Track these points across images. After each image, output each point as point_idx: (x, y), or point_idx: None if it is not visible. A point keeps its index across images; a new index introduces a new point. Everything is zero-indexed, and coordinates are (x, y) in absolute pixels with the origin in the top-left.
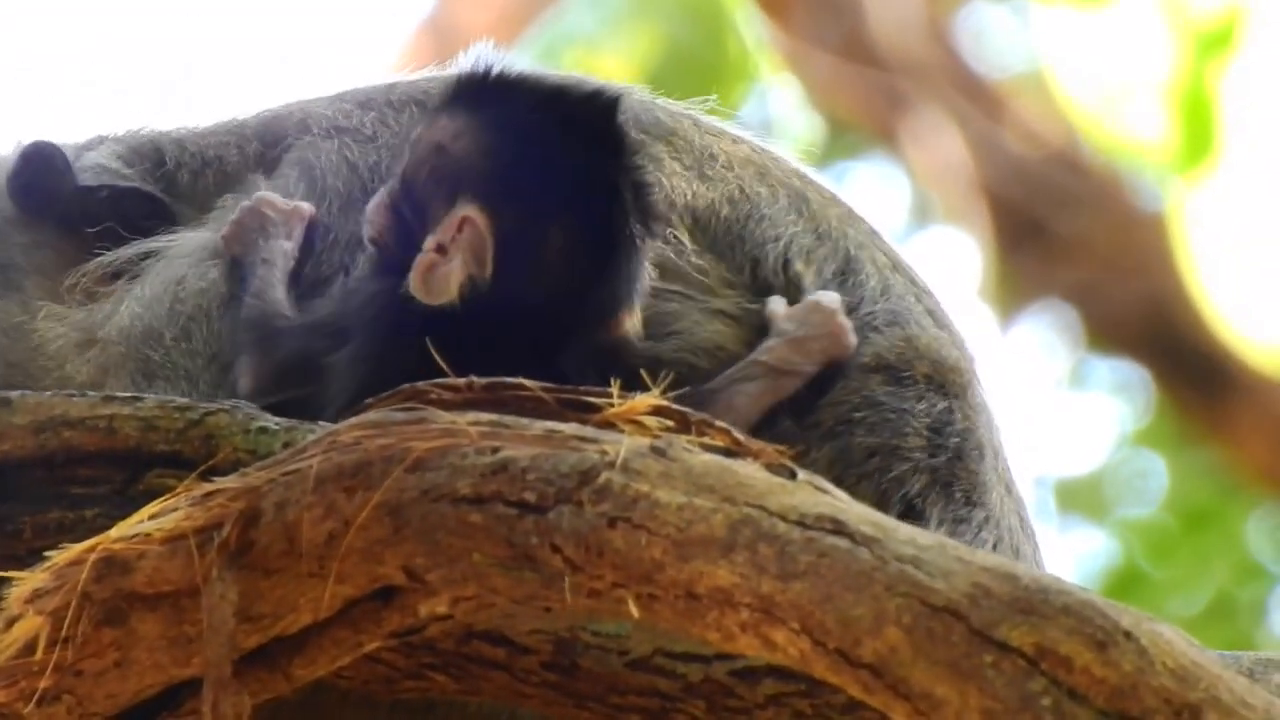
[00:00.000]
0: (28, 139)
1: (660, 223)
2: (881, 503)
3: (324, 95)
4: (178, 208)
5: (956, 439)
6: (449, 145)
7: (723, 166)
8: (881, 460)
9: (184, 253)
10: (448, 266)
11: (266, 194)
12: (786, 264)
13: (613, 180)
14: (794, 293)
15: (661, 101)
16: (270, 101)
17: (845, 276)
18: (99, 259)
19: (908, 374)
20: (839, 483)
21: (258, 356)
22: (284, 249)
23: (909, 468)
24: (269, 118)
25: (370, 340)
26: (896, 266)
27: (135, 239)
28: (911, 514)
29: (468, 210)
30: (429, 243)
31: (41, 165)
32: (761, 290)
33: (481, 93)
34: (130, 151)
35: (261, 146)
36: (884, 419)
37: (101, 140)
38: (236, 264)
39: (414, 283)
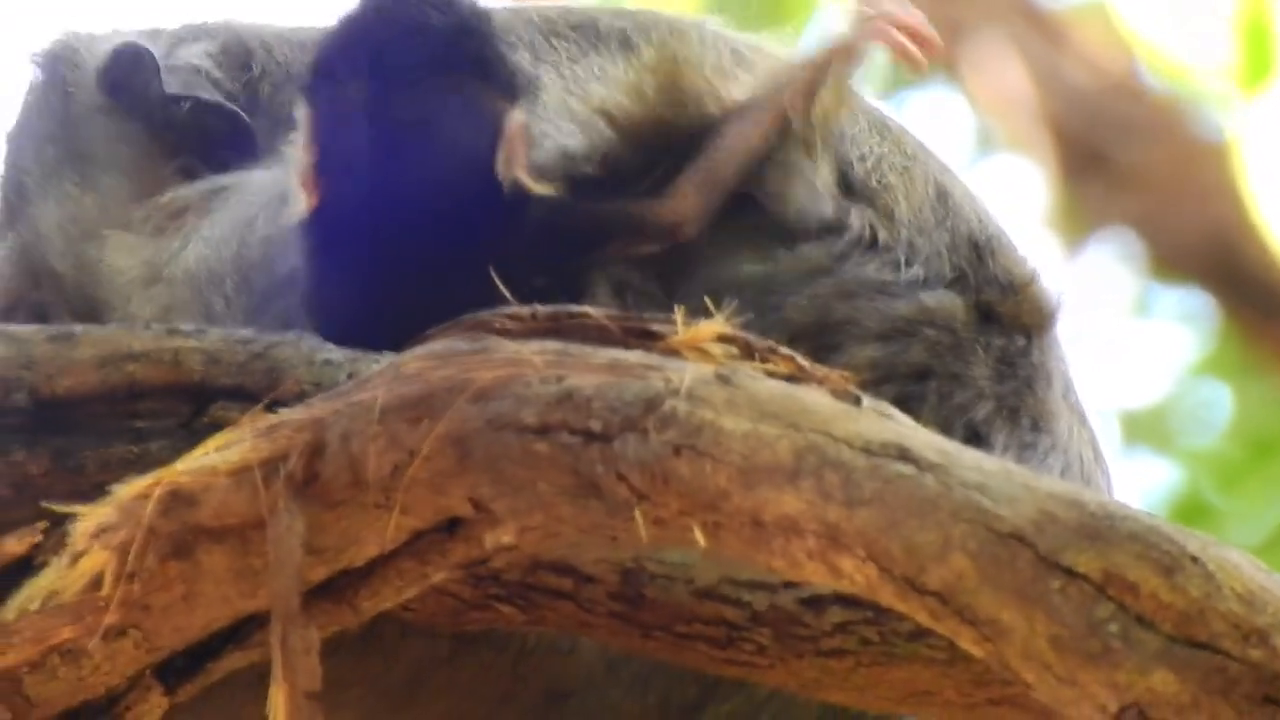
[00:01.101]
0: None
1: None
2: (944, 429)
3: None
4: (257, 123)
5: (1028, 369)
6: None
7: None
8: (942, 385)
9: (255, 192)
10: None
11: None
12: (881, 176)
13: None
14: (889, 202)
15: (737, 34)
16: None
17: (940, 200)
18: (172, 194)
19: (987, 308)
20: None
21: None
22: None
23: (973, 394)
24: None
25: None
26: (976, 199)
27: (214, 156)
28: (976, 439)
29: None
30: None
31: (130, 65)
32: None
33: None
34: (221, 50)
35: None
36: (954, 342)
37: (199, 33)
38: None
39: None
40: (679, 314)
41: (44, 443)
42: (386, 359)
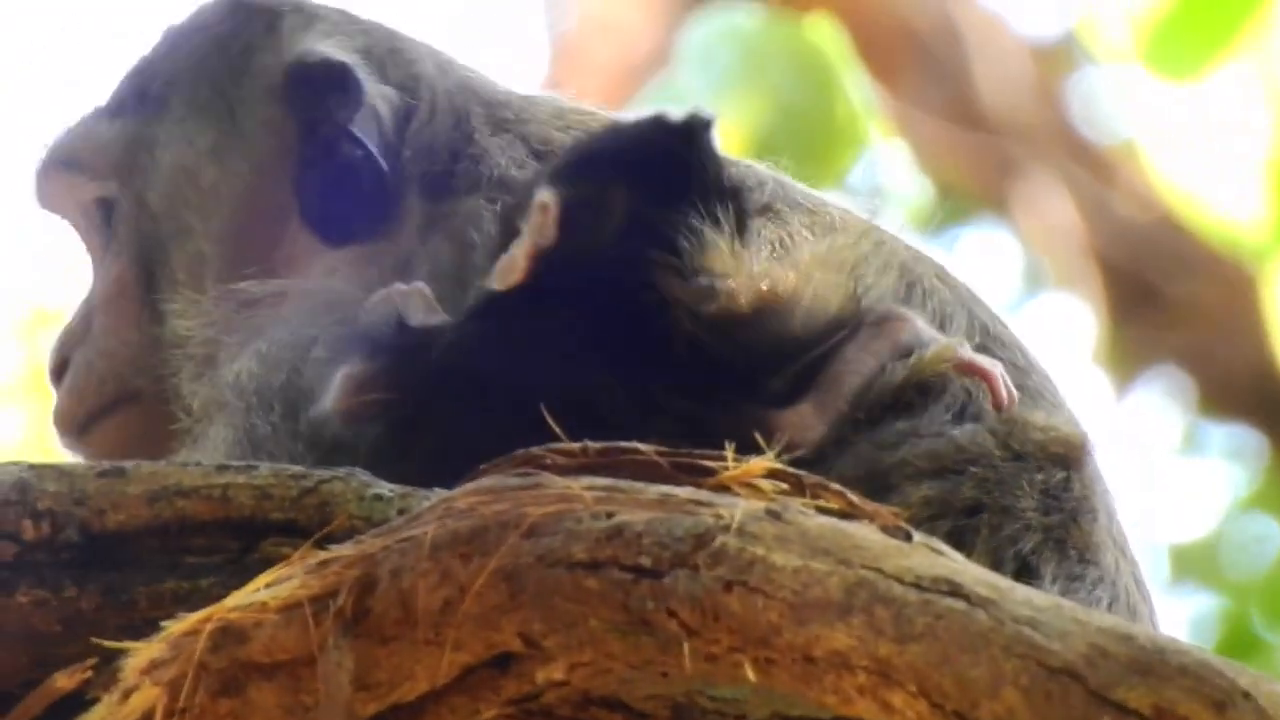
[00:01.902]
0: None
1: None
2: (995, 561)
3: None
4: (398, 187)
5: (1072, 503)
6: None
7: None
8: (992, 518)
9: (325, 305)
10: (522, 244)
11: (402, 286)
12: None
13: (679, 153)
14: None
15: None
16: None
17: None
18: (249, 285)
19: (1024, 449)
20: (941, 532)
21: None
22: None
23: (1021, 526)
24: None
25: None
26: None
27: (339, 213)
28: (1026, 571)
29: (538, 198)
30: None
31: (334, 87)
32: None
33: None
34: (400, 86)
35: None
36: (999, 477)
37: (392, 48)
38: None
39: (495, 278)
40: (729, 450)
41: (95, 578)
42: (437, 494)
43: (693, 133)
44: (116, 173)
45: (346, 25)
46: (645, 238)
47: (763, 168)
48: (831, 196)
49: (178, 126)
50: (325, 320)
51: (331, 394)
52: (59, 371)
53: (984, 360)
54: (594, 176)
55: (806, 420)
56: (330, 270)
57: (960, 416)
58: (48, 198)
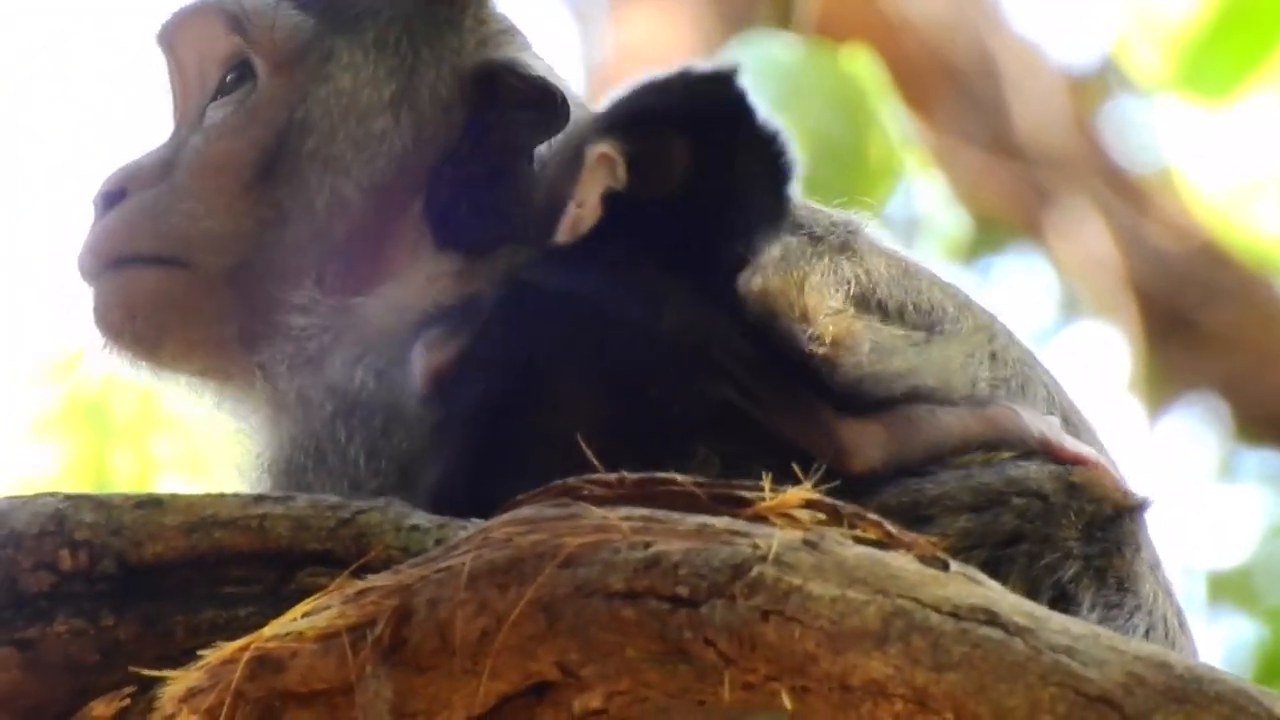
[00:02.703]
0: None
1: (793, 181)
2: (1033, 589)
3: None
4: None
5: (1115, 535)
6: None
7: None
8: (1032, 547)
9: (376, 333)
10: (590, 196)
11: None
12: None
13: (737, 111)
14: None
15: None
16: None
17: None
18: (364, 300)
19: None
20: (976, 561)
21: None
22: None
23: (1061, 555)
24: None
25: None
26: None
27: (454, 216)
28: (1064, 599)
29: (595, 150)
30: (570, 205)
31: (524, 102)
32: None
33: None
34: None
35: None
36: (1045, 509)
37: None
38: None
39: (561, 234)
40: (766, 480)
41: (133, 608)
42: (474, 524)
43: (730, 78)
44: (277, 56)
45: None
46: (712, 193)
47: (838, 211)
48: (907, 249)
49: (363, 57)
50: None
51: (417, 370)
52: (110, 199)
53: (1087, 449)
54: (651, 128)
55: (873, 439)
56: (433, 278)
57: (1023, 456)
58: (180, 31)
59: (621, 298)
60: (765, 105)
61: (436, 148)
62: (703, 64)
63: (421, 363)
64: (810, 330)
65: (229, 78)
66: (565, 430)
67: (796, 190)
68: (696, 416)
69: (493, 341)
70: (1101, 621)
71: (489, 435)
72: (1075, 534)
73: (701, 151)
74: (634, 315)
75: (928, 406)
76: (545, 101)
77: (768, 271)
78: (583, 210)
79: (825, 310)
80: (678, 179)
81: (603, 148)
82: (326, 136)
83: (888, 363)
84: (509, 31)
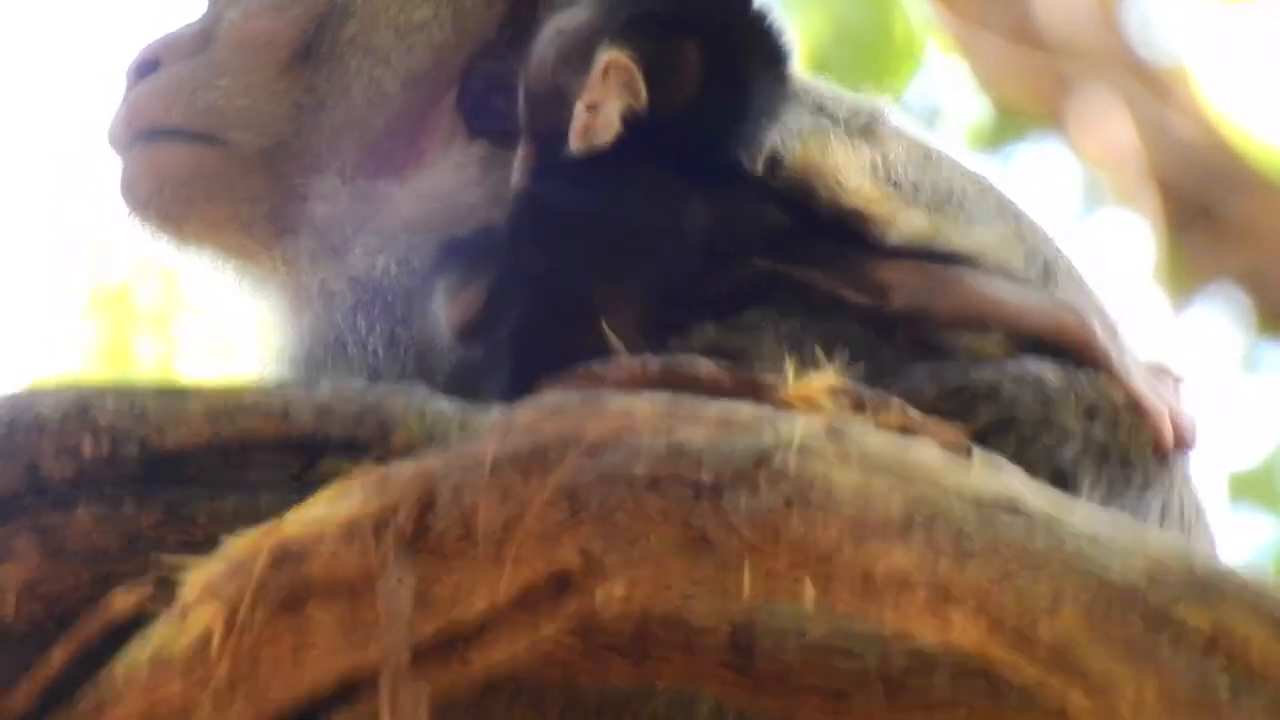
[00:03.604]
0: None
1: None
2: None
3: None
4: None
5: (1122, 418)
6: (566, 27)
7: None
8: (1025, 431)
9: (456, 217)
10: (606, 108)
11: None
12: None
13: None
14: None
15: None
16: None
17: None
18: (390, 185)
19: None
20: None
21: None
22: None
23: (1058, 438)
24: None
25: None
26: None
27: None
28: (1061, 480)
29: (606, 56)
30: (578, 107)
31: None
32: None
33: None
34: None
35: None
36: (1036, 396)
37: None
38: None
39: (575, 140)
40: (789, 367)
41: (156, 495)
42: (498, 411)
43: None
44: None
45: None
46: (728, 102)
47: (861, 96)
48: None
49: None
50: (454, 232)
51: (444, 317)
52: (144, 68)
53: (1153, 400)
54: (662, 33)
55: (911, 275)
56: (460, 165)
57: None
58: None
59: (645, 207)
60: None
61: (474, 40)
62: None
63: (447, 315)
64: (843, 189)
65: None
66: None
67: (795, 67)
68: (738, 290)
69: (518, 275)
70: (1106, 500)
71: (533, 363)
72: (1074, 417)
73: (713, 53)
74: (662, 222)
75: (982, 270)
76: None
77: (795, 143)
78: (596, 121)
79: (855, 172)
80: (692, 88)
81: (615, 53)
82: (368, 23)
83: (920, 225)
84: None
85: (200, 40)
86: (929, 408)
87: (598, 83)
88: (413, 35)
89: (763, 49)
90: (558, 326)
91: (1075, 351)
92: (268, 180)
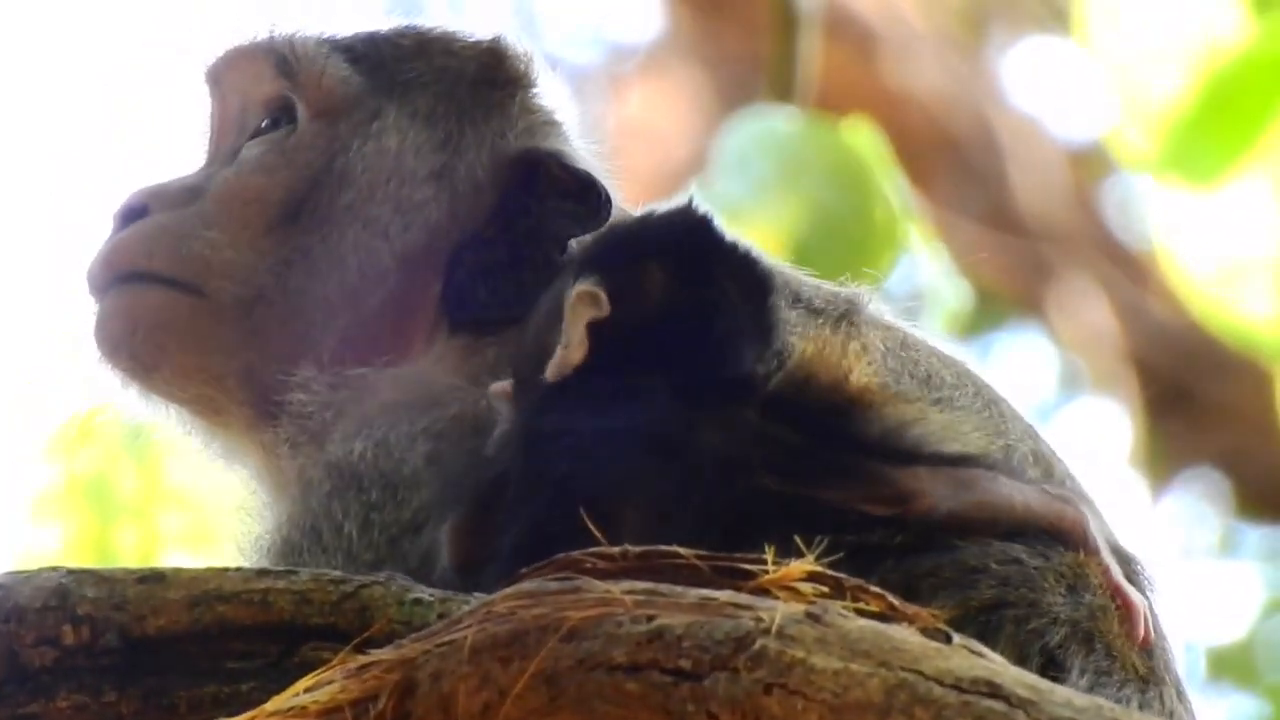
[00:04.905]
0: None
1: (769, 284)
2: (1021, 655)
3: None
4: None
5: (1096, 597)
6: (547, 296)
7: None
8: (1018, 612)
9: (432, 399)
10: (574, 329)
11: (496, 386)
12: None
13: (702, 232)
14: None
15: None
16: None
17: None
18: (367, 371)
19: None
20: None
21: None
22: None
23: (1047, 620)
24: None
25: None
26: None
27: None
28: (1053, 665)
29: (574, 291)
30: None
31: (564, 193)
32: None
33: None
34: None
35: None
36: (1022, 575)
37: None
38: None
39: (551, 371)
40: (769, 553)
41: (136, 682)
42: (477, 599)
43: (690, 206)
44: (322, 104)
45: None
46: (694, 311)
47: (837, 285)
48: (909, 322)
49: (409, 124)
50: (435, 413)
51: (445, 552)
52: (131, 215)
53: (1132, 591)
54: (623, 258)
55: (930, 482)
56: (439, 357)
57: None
58: (229, 70)
59: (638, 429)
60: (727, 229)
61: (464, 227)
62: (662, 205)
63: (448, 550)
64: (848, 388)
65: (264, 119)
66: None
67: (778, 301)
68: (749, 515)
69: (521, 507)
70: (1091, 689)
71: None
72: (1060, 597)
73: (676, 273)
74: (657, 438)
75: (989, 472)
76: (587, 194)
77: (800, 343)
78: (569, 350)
79: (865, 372)
80: (658, 301)
81: (581, 286)
82: (365, 193)
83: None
84: (553, 123)
85: (190, 193)
86: (932, 586)
87: (570, 316)
88: (411, 213)
89: (736, 275)
90: (560, 541)
91: (1071, 543)
92: (245, 334)
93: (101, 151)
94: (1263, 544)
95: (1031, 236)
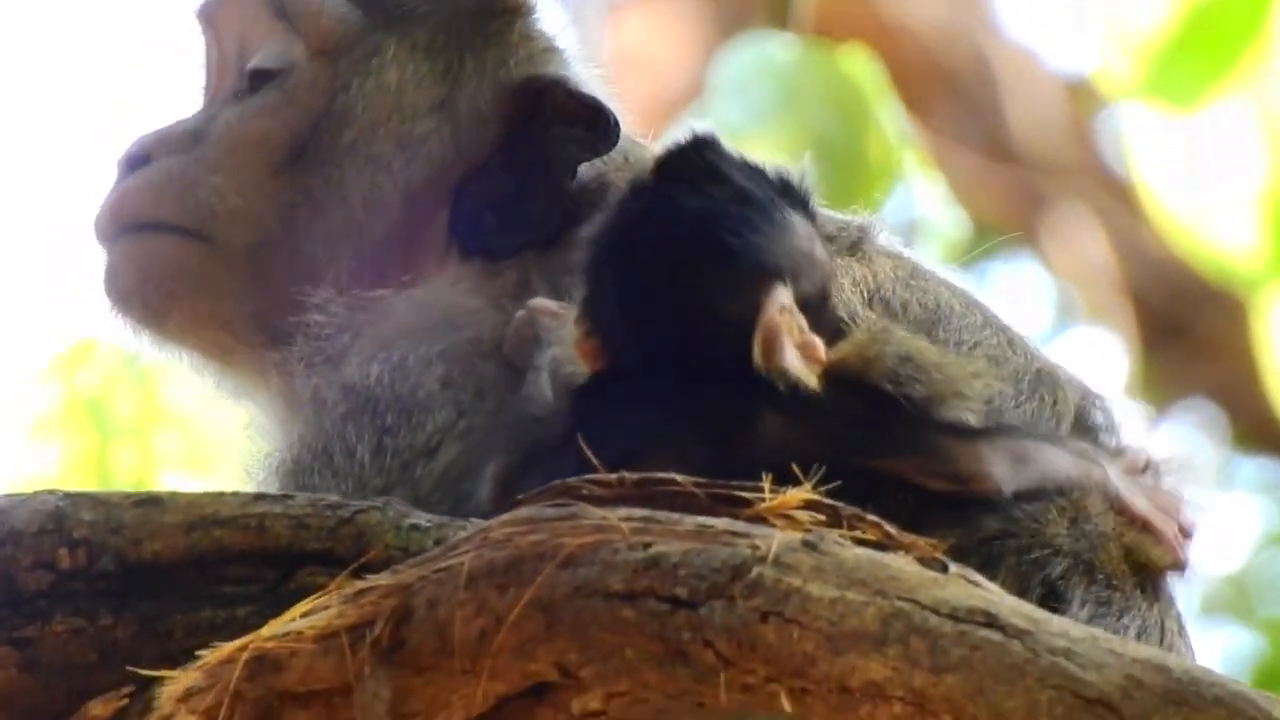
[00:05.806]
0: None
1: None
2: (1023, 585)
3: None
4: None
5: (1103, 527)
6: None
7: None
8: (1020, 542)
9: (451, 320)
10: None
11: (539, 302)
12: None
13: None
14: None
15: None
16: None
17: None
18: (384, 293)
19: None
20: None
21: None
22: (556, 354)
23: (1050, 552)
24: None
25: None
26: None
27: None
28: (1053, 596)
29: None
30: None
31: (571, 120)
32: None
33: None
34: None
35: None
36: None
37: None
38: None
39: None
40: (766, 481)
41: (131, 607)
42: (474, 524)
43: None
44: (320, 43)
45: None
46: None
47: (847, 214)
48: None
49: (409, 57)
50: (452, 336)
51: (485, 491)
52: (134, 161)
53: (1160, 519)
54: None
55: (989, 459)
56: (455, 280)
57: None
58: (222, 9)
59: (690, 411)
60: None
61: (469, 159)
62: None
63: (489, 494)
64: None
65: (270, 60)
66: None
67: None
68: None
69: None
70: (1091, 620)
71: None
72: (1062, 530)
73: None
74: (721, 429)
75: (1032, 441)
76: (595, 119)
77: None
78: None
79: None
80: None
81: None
82: (368, 130)
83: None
84: (553, 49)
85: (192, 137)
86: (935, 522)
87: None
88: (414, 147)
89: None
90: None
91: (1098, 499)
92: (253, 279)
93: (97, 101)
94: (1258, 476)
95: (1027, 167)
